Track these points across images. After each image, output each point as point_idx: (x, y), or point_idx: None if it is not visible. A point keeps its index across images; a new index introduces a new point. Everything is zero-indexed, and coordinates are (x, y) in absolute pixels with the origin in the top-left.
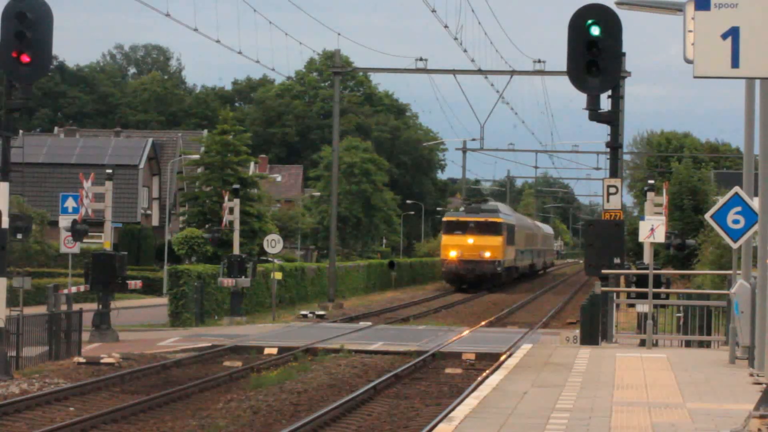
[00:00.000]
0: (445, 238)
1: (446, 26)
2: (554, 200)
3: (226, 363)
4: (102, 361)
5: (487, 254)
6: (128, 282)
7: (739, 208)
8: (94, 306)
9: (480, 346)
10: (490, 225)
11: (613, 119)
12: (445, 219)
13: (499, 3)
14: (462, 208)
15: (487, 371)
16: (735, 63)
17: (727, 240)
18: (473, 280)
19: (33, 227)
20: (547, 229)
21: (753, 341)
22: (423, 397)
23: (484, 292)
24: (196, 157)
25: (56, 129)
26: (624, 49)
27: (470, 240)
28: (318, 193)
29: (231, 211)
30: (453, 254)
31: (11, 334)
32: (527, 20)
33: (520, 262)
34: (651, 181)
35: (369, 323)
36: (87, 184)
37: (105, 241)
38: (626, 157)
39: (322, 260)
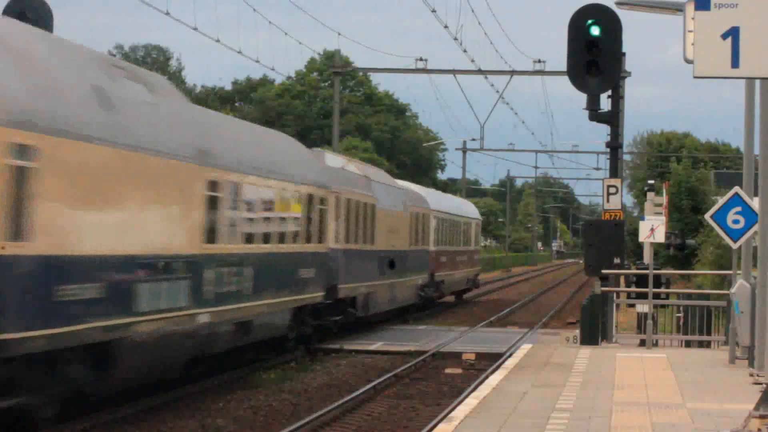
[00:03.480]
0: None
1: (446, 26)
2: (554, 200)
3: None
4: None
5: None
6: None
7: (739, 208)
8: None
9: (480, 346)
10: None
11: (613, 119)
12: None
13: (499, 3)
14: None
15: (487, 371)
16: (735, 63)
17: (727, 240)
18: None
19: None
20: (460, 206)
21: (753, 341)
22: (423, 397)
23: None
24: None
25: None
26: (624, 49)
27: None
28: None
29: None
30: None
31: None
32: (527, 20)
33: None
34: (651, 181)
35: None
36: None
37: None
38: (626, 157)
39: None
